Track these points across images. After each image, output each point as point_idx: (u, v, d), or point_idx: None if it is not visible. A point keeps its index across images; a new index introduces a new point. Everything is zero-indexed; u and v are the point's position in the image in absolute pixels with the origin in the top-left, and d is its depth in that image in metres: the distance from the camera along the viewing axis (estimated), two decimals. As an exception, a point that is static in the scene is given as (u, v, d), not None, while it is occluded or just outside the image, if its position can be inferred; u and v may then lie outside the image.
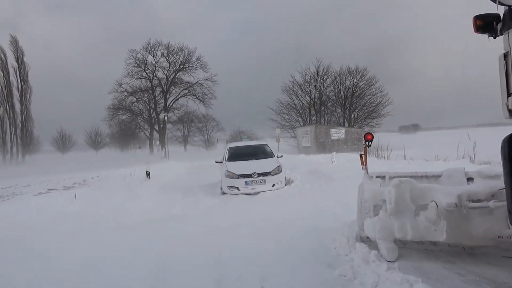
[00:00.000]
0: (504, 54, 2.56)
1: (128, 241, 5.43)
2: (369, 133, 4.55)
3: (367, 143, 4.54)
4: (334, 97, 36.81)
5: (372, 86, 35.13)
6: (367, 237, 4.42)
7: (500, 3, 2.36)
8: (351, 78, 35.92)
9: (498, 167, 5.17)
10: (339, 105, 36.75)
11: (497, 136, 3.32)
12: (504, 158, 2.38)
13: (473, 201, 3.75)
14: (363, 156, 4.55)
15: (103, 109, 41.76)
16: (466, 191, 3.79)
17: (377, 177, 4.65)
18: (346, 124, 34.50)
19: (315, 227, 5.30)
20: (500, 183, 3.76)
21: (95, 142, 67.04)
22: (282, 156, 11.40)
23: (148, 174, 14.15)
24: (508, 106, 2.54)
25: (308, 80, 36.41)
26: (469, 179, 4.26)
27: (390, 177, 4.60)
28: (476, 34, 2.68)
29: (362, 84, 35.54)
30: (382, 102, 34.79)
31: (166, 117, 35.91)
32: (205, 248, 4.70)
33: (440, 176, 4.48)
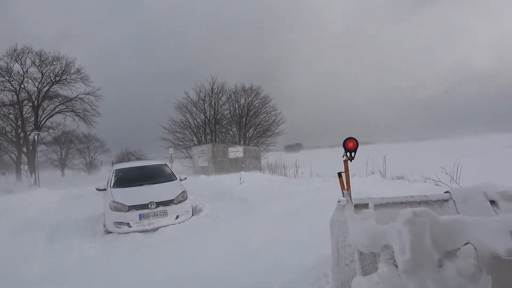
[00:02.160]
0: None
1: None
2: (351, 138, 2.93)
3: (348, 154, 2.91)
4: (230, 115, 35.98)
5: (267, 105, 35.38)
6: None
7: None
8: (246, 96, 35.70)
9: None
10: (234, 123, 35.96)
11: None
12: None
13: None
14: (344, 175, 2.90)
15: None
16: (519, 225, 2.39)
17: (355, 205, 3.06)
18: (242, 142, 33.71)
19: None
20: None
21: None
22: (186, 178, 9.24)
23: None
24: None
25: (203, 97, 34.98)
26: (492, 203, 2.95)
27: (375, 204, 3.07)
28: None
29: (257, 103, 35.58)
30: (276, 121, 35.18)
31: (36, 137, 29.93)
32: None
33: (447, 200, 3.08)
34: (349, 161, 2.94)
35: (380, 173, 11.54)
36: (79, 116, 35.92)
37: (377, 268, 2.81)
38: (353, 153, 2.92)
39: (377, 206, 3.08)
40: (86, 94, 35.59)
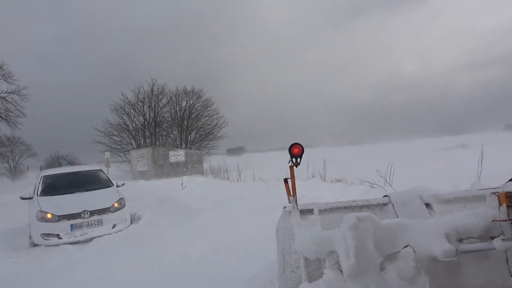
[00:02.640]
0: None
1: None
2: (296, 144, 2.90)
3: (293, 160, 2.88)
4: (170, 118, 35.01)
5: (209, 108, 35.01)
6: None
7: None
8: (188, 99, 35.01)
9: (451, 188, 4.26)
10: (175, 126, 35.08)
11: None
12: None
13: (461, 240, 2.53)
14: (290, 181, 2.88)
15: None
16: (452, 226, 2.53)
17: (301, 211, 3.06)
18: (184, 146, 32.98)
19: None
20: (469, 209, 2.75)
21: None
22: (123, 184, 8.70)
23: None
24: None
25: (142, 99, 33.58)
26: (427, 206, 3.10)
27: (320, 210, 3.10)
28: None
29: (199, 106, 35.07)
30: (218, 124, 34.95)
31: None
32: None
33: (387, 204, 3.19)
34: (294, 167, 2.92)
35: (320, 176, 11.90)
36: (0, 116, 32.63)
37: (322, 274, 2.82)
38: (298, 159, 2.90)
39: (322, 211, 3.11)
40: (9, 93, 32.41)
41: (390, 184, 8.60)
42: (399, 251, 2.45)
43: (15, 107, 32.66)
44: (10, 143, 43.22)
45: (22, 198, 7.71)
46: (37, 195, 7.58)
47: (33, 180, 25.43)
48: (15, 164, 44.98)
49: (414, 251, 2.40)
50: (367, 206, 3.21)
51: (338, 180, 10.77)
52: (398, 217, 3.04)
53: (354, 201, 3.21)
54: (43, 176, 8.43)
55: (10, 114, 32.70)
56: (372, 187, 8.63)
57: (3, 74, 32.12)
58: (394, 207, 3.15)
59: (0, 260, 5.84)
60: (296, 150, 2.90)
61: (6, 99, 32.42)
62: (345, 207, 3.18)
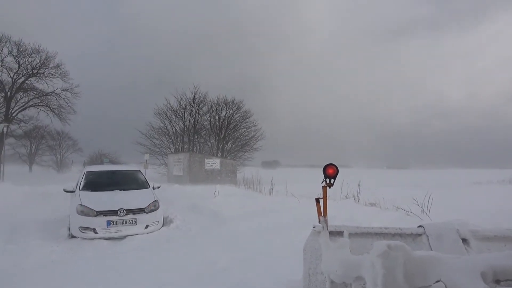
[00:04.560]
0: None
1: None
2: (331, 164, 2.91)
3: (327, 180, 2.88)
4: (209, 126, 35.71)
5: (247, 119, 35.38)
6: None
7: None
8: (227, 109, 35.59)
9: (494, 226, 4.08)
10: (213, 134, 35.71)
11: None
12: None
13: (499, 282, 2.41)
14: (322, 201, 2.87)
15: None
16: (490, 265, 2.41)
17: (330, 232, 3.04)
18: (220, 155, 33.47)
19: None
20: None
21: None
22: (159, 187, 8.99)
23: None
24: None
25: (184, 106, 34.60)
26: (464, 241, 2.98)
27: (350, 233, 3.06)
28: None
29: (238, 116, 35.50)
30: (255, 136, 35.19)
31: (6, 129, 28.64)
32: None
33: (421, 235, 3.10)
34: (327, 187, 2.92)
35: (354, 198, 11.64)
36: (53, 112, 34.78)
37: (347, 299, 2.78)
38: (332, 180, 2.90)
39: (352, 235, 3.07)
40: (63, 90, 34.60)
41: (427, 213, 8.27)
42: (430, 285, 2.37)
43: (67, 103, 34.85)
44: (59, 137, 45.75)
45: (66, 191, 8.14)
46: (79, 189, 7.98)
47: (76, 174, 26.74)
48: (61, 158, 47.39)
49: (446, 287, 2.32)
50: (399, 235, 3.14)
51: (372, 204, 10.49)
52: (431, 250, 2.95)
53: (386, 228, 3.14)
54: (86, 172, 8.85)
55: (62, 110, 34.92)
56: (408, 215, 8.33)
57: (60, 73, 34.47)
58: (428, 239, 3.05)
59: (40, 247, 6.20)
60: (330, 171, 2.90)
61: (60, 96, 34.67)
62: (376, 233, 3.12)
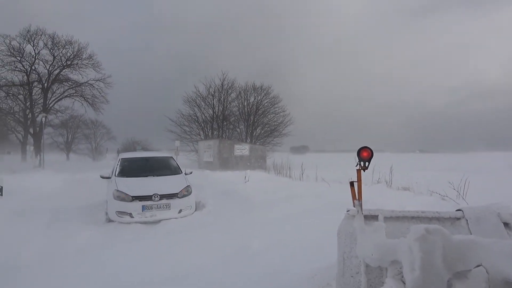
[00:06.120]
0: None
1: None
2: (366, 147, 2.86)
3: (361, 163, 2.84)
4: (238, 113, 35.86)
5: (276, 105, 35.21)
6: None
7: None
8: (256, 95, 35.51)
9: None
10: (242, 120, 35.86)
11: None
12: None
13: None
14: (356, 184, 2.84)
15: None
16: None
17: (365, 216, 3.00)
18: (249, 141, 33.64)
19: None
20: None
21: None
22: (191, 173, 9.19)
23: (-1, 190, 10.18)
24: None
25: (212, 93, 34.83)
26: (505, 225, 2.87)
27: (385, 217, 3.01)
28: None
29: (266, 102, 35.39)
30: (284, 122, 35.02)
31: (44, 119, 30.04)
32: None
33: (460, 219, 3.01)
34: (362, 170, 2.88)
35: (386, 182, 11.44)
36: (87, 101, 36.18)
37: (383, 283, 2.76)
38: (367, 163, 2.86)
39: (387, 218, 3.02)
40: (96, 80, 35.79)
41: (464, 198, 8.00)
42: (470, 270, 2.31)
43: (100, 93, 36.07)
44: (94, 126, 47.54)
45: (102, 177, 8.47)
46: (115, 175, 8.29)
47: (111, 161, 27.74)
48: (96, 146, 49.28)
49: (487, 272, 2.25)
50: (437, 219, 3.06)
51: (405, 188, 10.29)
52: (471, 234, 2.86)
53: (423, 211, 3.07)
54: (121, 158, 9.16)
55: (96, 99, 36.20)
56: (443, 199, 8.10)
57: (93, 64, 35.60)
58: (467, 223, 2.95)
59: (80, 231, 6.51)
60: (365, 154, 2.86)
61: (93, 86, 35.87)
62: (413, 217, 3.05)
